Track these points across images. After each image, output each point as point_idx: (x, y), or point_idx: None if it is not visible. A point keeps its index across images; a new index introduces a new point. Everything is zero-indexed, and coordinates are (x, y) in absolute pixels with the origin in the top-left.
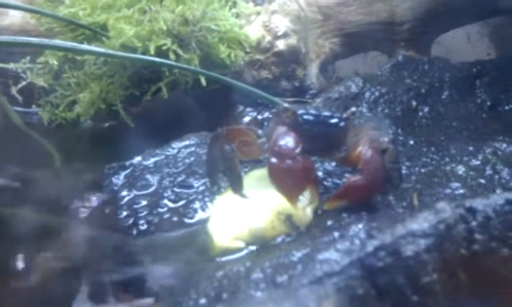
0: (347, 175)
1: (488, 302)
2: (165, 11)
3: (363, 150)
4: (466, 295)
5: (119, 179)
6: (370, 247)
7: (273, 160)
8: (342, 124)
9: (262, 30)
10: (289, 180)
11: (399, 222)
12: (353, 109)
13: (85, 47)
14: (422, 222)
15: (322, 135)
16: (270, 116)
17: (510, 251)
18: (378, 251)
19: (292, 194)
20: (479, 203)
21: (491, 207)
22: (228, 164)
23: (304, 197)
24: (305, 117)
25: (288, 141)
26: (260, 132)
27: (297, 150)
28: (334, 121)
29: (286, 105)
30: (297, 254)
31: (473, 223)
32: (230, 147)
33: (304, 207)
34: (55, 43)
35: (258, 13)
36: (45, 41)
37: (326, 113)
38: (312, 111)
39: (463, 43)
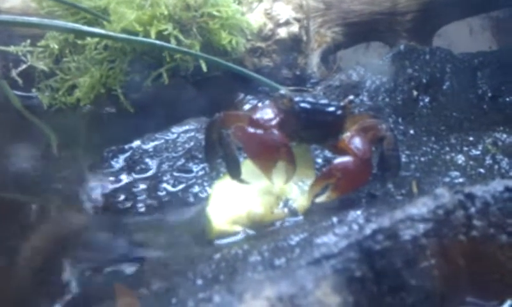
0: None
1: (485, 289)
2: None
3: (351, 134)
4: (463, 280)
5: (118, 162)
6: (368, 230)
7: (248, 129)
8: (339, 112)
9: (263, 17)
10: (260, 151)
11: (398, 208)
12: (351, 97)
13: (86, 28)
14: (420, 206)
15: (319, 123)
16: None
17: (508, 238)
18: (376, 234)
19: (263, 165)
20: (478, 190)
21: (490, 194)
22: (225, 149)
23: (283, 174)
24: (302, 104)
25: (265, 113)
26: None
27: (273, 123)
28: (331, 109)
29: (282, 91)
30: (295, 238)
31: (472, 209)
32: (226, 132)
33: (282, 183)
34: (55, 23)
35: (260, 1)
36: (46, 21)
37: (323, 101)
38: (309, 99)
39: (465, 36)
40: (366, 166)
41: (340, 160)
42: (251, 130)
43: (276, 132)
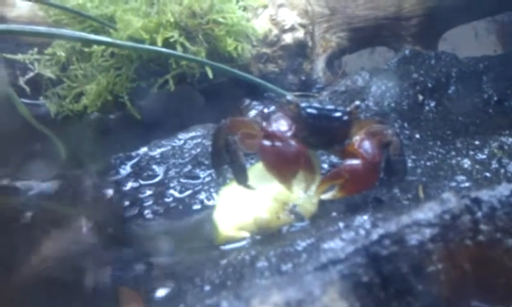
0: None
1: (491, 293)
2: (173, 4)
3: (360, 138)
4: (470, 285)
5: (125, 169)
6: (375, 235)
7: (265, 142)
8: (345, 118)
9: (269, 23)
10: (279, 163)
11: (405, 213)
12: (357, 102)
13: (93, 36)
14: (427, 211)
15: (325, 128)
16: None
17: None
18: (383, 239)
19: (284, 177)
20: (484, 194)
21: (497, 198)
22: (232, 156)
23: (300, 183)
24: (308, 110)
25: (280, 124)
26: (264, 124)
27: (289, 133)
28: (337, 114)
29: (289, 97)
30: (302, 244)
31: (479, 214)
32: (232, 139)
33: (300, 192)
34: (63, 32)
35: (266, 7)
36: (53, 30)
37: (330, 106)
38: (316, 104)
39: (470, 40)
40: (374, 170)
41: (349, 162)
42: (269, 142)
43: (293, 142)
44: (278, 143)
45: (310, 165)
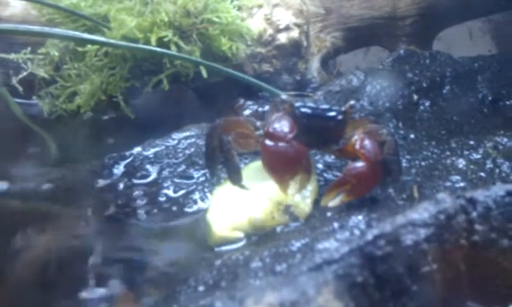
0: (348, 162)
1: (487, 293)
2: (167, 3)
3: (359, 138)
4: (465, 285)
5: (119, 169)
6: (369, 236)
7: (267, 142)
8: (340, 117)
9: (263, 23)
10: (281, 164)
11: (399, 213)
12: (352, 102)
13: (86, 36)
14: (422, 212)
15: (320, 128)
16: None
17: (510, 242)
18: (378, 240)
19: (282, 178)
20: (479, 194)
21: (492, 198)
22: (226, 155)
23: (296, 184)
24: (303, 109)
25: (283, 124)
26: (258, 124)
27: (291, 135)
28: (332, 114)
29: (283, 96)
30: (297, 244)
31: (474, 214)
32: (226, 138)
33: (293, 193)
34: (56, 31)
35: (260, 6)
36: (47, 29)
37: (324, 106)
38: (310, 104)
39: (465, 40)
40: (378, 169)
41: (353, 165)
42: (272, 143)
43: (296, 144)
44: (281, 144)
45: (309, 167)
